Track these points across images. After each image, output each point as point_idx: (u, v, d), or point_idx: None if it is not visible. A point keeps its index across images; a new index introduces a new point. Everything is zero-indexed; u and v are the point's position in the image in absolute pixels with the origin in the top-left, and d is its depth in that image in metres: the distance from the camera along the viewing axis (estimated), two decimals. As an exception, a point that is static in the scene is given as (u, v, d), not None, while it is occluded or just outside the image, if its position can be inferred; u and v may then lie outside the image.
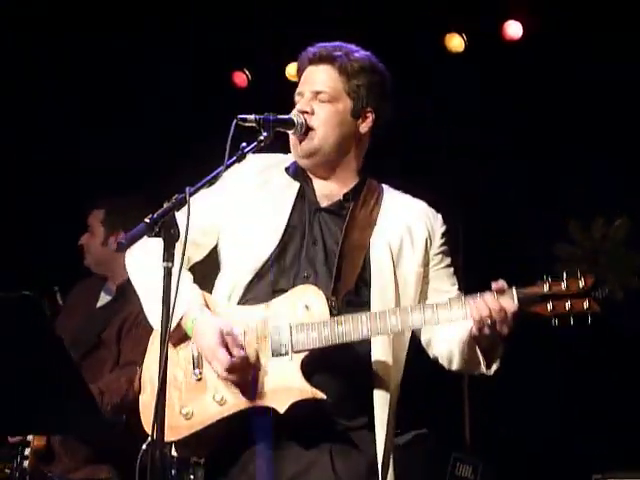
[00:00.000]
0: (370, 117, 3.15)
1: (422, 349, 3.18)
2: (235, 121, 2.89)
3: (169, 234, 2.63)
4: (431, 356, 3.17)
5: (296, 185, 3.16)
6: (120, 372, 4.32)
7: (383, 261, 3.06)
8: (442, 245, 3.17)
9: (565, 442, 5.73)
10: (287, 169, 3.20)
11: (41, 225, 6.25)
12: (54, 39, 6.10)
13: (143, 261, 3.05)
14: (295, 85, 3.20)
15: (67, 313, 4.64)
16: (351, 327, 2.89)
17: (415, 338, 3.14)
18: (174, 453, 3.07)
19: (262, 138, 2.93)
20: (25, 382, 3.24)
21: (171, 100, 6.28)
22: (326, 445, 2.94)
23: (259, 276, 3.04)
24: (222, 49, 6.33)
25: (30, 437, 4.21)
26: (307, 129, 3.07)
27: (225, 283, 3.11)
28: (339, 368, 2.95)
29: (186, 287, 2.96)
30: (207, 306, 3.02)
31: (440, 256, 3.16)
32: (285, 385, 2.88)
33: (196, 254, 3.18)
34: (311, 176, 3.17)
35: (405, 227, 3.13)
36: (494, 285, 2.86)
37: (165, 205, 2.64)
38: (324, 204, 3.13)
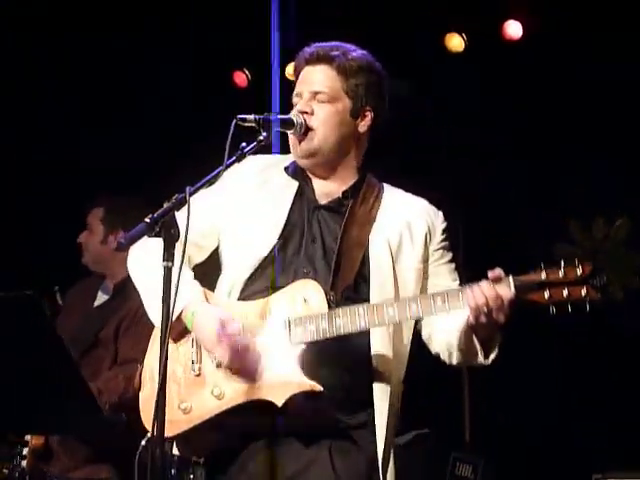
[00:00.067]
0: (369, 116, 3.15)
1: (422, 345, 3.17)
2: (235, 121, 2.90)
3: (169, 234, 2.64)
4: (432, 352, 3.16)
5: (295, 184, 3.16)
6: (118, 370, 4.33)
7: (382, 257, 3.06)
8: (443, 241, 3.17)
9: (565, 441, 5.73)
10: (286, 169, 3.20)
11: (41, 225, 6.25)
12: (54, 39, 6.09)
13: (144, 260, 3.06)
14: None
15: (65, 313, 4.65)
16: (349, 319, 2.89)
17: (416, 334, 3.14)
18: (175, 452, 3.07)
19: (262, 138, 2.93)
20: (25, 382, 3.25)
21: (171, 100, 6.28)
22: (326, 442, 2.94)
23: (258, 273, 3.05)
24: (222, 49, 6.32)
25: (28, 436, 4.22)
26: (307, 129, 3.07)
27: (225, 281, 3.12)
28: (338, 362, 2.95)
29: (187, 283, 2.97)
30: (207, 302, 3.03)
31: (440, 252, 3.16)
32: (283, 378, 2.88)
33: (197, 255, 3.19)
34: (310, 176, 3.17)
35: (405, 224, 3.13)
36: (490, 273, 2.85)
37: (165, 205, 2.65)
38: (323, 202, 3.13)
